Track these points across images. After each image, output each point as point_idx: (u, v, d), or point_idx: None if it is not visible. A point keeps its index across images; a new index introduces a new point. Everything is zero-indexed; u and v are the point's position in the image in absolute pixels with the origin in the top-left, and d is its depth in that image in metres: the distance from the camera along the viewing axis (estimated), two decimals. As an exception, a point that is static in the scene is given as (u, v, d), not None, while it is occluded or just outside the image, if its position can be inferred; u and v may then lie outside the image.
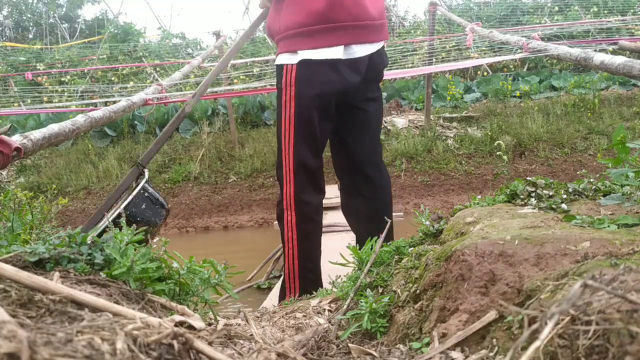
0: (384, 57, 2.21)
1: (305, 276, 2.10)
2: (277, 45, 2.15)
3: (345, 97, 2.11)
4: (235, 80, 8.12)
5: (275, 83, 2.19)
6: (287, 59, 2.06)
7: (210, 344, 0.87)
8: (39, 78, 9.51)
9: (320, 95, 2.03)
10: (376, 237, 1.44)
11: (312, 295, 1.68)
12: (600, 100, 7.43)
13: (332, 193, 4.35)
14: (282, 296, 2.18)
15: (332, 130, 2.20)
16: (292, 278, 2.10)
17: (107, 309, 0.76)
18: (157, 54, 10.61)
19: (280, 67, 2.10)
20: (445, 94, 8.13)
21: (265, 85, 5.25)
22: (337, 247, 2.26)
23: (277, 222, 2.27)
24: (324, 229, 2.36)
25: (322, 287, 2.11)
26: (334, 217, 3.86)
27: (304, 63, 2.01)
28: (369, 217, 2.22)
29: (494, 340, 0.88)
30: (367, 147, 2.22)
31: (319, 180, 2.15)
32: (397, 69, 6.03)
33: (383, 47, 2.20)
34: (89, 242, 1.10)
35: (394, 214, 2.41)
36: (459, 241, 1.12)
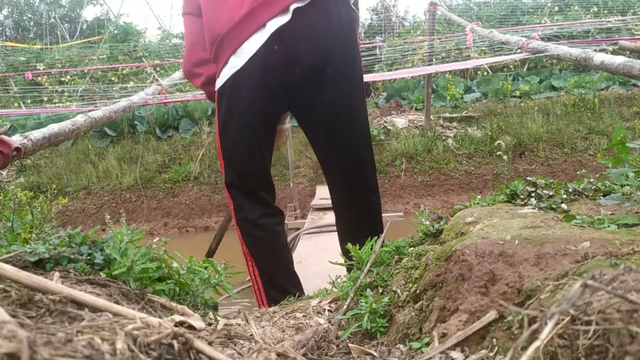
0: (315, 18, 1.74)
1: (268, 287, 2.06)
2: None
3: (276, 107, 1.90)
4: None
5: None
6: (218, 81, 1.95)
7: (210, 344, 0.87)
8: (39, 78, 9.51)
9: (228, 119, 1.90)
10: (376, 238, 1.44)
11: (311, 297, 1.68)
12: (600, 100, 7.44)
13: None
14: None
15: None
16: (257, 289, 2.09)
17: (107, 309, 0.76)
18: (157, 54, 10.62)
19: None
20: (445, 94, 8.14)
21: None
22: (336, 247, 2.26)
23: None
24: (323, 229, 2.36)
25: (295, 294, 2.06)
26: (332, 218, 3.86)
27: (217, 91, 1.91)
28: (352, 215, 2.14)
29: (494, 340, 0.88)
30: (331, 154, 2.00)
31: (256, 197, 2.02)
32: (397, 69, 6.03)
33: (303, 8, 1.72)
34: (88, 242, 1.10)
35: (394, 214, 2.41)
36: (459, 241, 1.12)
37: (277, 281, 2.10)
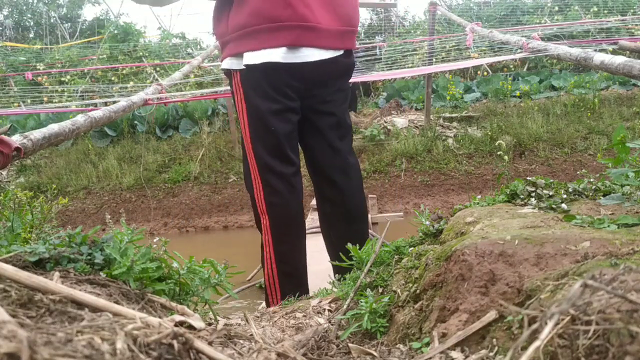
0: (341, 66, 2.08)
1: (284, 281, 2.04)
2: (222, 48, 2.09)
3: (300, 99, 2.05)
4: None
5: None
6: (231, 63, 2.01)
7: (210, 344, 0.87)
8: (39, 78, 9.51)
9: (267, 99, 1.97)
10: (376, 238, 1.44)
11: (312, 296, 1.68)
12: (600, 100, 7.44)
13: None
14: (267, 304, 2.12)
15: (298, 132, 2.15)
16: (271, 283, 2.05)
17: (107, 308, 0.76)
18: (157, 54, 10.62)
19: (227, 72, 2.07)
20: (445, 94, 8.14)
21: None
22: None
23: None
24: (319, 230, 2.35)
25: (307, 290, 2.06)
26: None
27: (247, 67, 1.96)
28: (337, 220, 2.16)
29: (494, 340, 0.88)
30: (326, 150, 2.13)
31: (291, 182, 2.07)
32: (397, 69, 6.03)
33: (345, 54, 2.07)
34: (88, 242, 1.10)
35: (394, 214, 2.41)
36: (459, 241, 1.12)
37: (296, 276, 2.09)
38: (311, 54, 1.95)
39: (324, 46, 1.97)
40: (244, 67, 1.98)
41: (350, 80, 2.28)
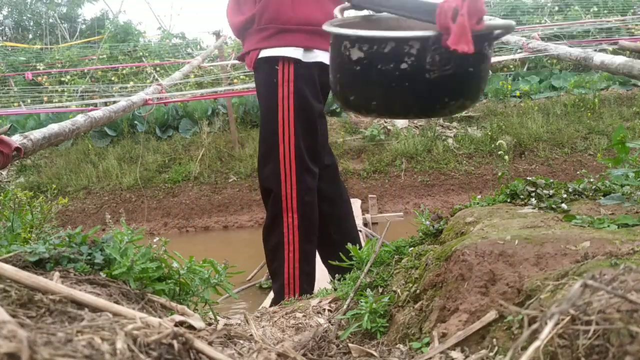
0: None
1: (304, 280, 2.06)
2: (269, 34, 1.98)
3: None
4: (235, 80, 8.12)
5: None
6: (288, 51, 1.96)
7: (210, 344, 0.87)
8: (39, 78, 9.50)
9: (316, 98, 2.01)
10: (376, 238, 1.44)
11: (312, 295, 1.68)
12: (600, 100, 7.43)
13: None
14: (278, 300, 2.09)
15: None
16: (291, 282, 2.05)
17: (107, 308, 0.76)
18: (157, 54, 10.61)
19: (273, 60, 1.98)
20: (445, 94, 8.13)
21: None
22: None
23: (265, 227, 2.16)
24: None
25: (313, 288, 2.11)
26: None
27: (303, 62, 1.96)
28: (331, 218, 2.19)
29: (494, 340, 0.88)
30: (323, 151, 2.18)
31: (317, 184, 2.09)
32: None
33: None
34: (88, 242, 1.10)
35: (394, 214, 2.43)
36: (459, 241, 1.12)
37: (312, 274, 2.11)
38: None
39: None
40: (299, 59, 1.95)
41: None
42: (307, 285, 2.06)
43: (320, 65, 1.96)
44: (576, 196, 1.35)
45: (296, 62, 1.96)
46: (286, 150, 2.00)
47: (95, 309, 0.76)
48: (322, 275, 2.29)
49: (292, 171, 2.00)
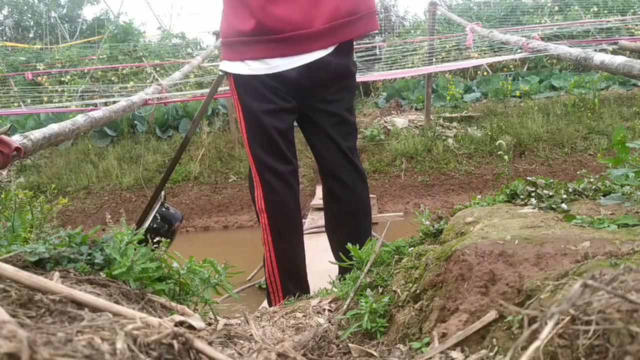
0: (332, 65, 2.02)
1: (285, 279, 2.05)
2: (222, 48, 2.13)
3: (299, 98, 2.06)
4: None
5: None
6: (226, 66, 2.06)
7: (210, 344, 0.87)
8: (39, 78, 9.50)
9: (260, 100, 2.02)
10: (375, 238, 1.44)
11: (308, 296, 1.68)
12: (600, 100, 7.43)
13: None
14: (268, 302, 2.13)
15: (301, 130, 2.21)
16: (272, 280, 2.07)
17: (107, 308, 0.76)
18: (157, 54, 10.61)
19: (224, 72, 2.11)
20: (445, 93, 8.13)
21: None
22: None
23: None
24: (322, 229, 2.36)
25: (307, 289, 2.09)
26: None
27: (237, 74, 2.02)
28: (344, 220, 2.18)
29: (494, 340, 0.88)
30: (332, 149, 2.13)
31: (288, 181, 2.08)
32: (397, 69, 6.03)
33: (336, 51, 2.02)
34: (88, 242, 1.10)
35: (394, 214, 2.42)
36: (459, 241, 1.12)
37: (297, 274, 2.12)
38: (284, 64, 1.97)
39: (296, 53, 1.96)
40: (233, 73, 2.04)
41: None
42: (291, 284, 2.05)
43: (251, 75, 1.99)
44: (576, 196, 1.35)
45: (234, 75, 2.05)
46: (249, 154, 2.10)
47: (95, 309, 0.76)
48: (322, 275, 2.28)
49: (255, 173, 2.08)
